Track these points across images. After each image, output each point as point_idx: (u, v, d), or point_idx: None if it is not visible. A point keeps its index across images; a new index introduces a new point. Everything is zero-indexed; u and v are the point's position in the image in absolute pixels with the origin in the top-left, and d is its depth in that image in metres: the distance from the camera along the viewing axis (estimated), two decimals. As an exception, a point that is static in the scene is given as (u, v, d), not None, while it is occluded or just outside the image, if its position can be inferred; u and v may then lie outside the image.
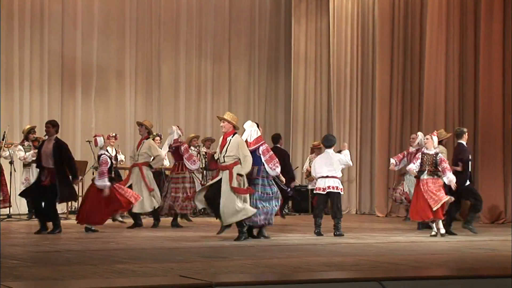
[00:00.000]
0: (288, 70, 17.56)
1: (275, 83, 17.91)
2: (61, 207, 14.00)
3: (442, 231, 9.96)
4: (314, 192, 10.36)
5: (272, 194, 9.25)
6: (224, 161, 9.05)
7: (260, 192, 9.20)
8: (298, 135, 17.13)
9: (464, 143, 10.69)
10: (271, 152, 9.31)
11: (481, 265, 7.01)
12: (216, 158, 9.27)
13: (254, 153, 9.14)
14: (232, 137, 9.10)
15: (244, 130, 9.32)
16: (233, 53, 17.36)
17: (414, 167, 10.10)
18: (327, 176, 10.07)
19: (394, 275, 5.91)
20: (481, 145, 13.02)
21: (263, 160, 9.20)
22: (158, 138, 14.27)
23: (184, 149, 11.26)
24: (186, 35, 16.72)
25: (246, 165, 8.95)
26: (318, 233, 10.00)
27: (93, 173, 13.48)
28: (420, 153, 10.31)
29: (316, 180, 10.24)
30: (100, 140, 10.28)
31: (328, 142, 10.29)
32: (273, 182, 9.37)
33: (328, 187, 10.08)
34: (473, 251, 8.26)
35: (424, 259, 7.49)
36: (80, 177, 13.33)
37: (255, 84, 17.65)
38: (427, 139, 10.28)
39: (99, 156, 10.35)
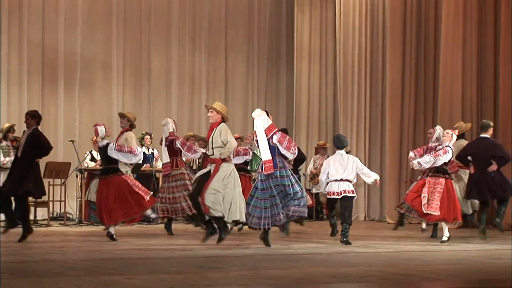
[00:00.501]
0: (290, 64, 17.55)
1: (276, 78, 17.89)
2: (42, 213, 14.00)
3: (445, 237, 10.05)
4: (328, 196, 10.29)
5: (292, 192, 9.15)
6: (213, 153, 9.18)
7: (274, 187, 9.19)
8: (301, 135, 17.12)
9: (490, 137, 10.72)
10: (288, 137, 9.31)
11: (502, 276, 6.98)
12: (205, 152, 9.32)
13: (268, 143, 9.17)
14: (217, 126, 9.21)
15: (253, 120, 9.31)
16: (230, 45, 17.36)
17: (412, 155, 10.30)
18: (341, 179, 10.13)
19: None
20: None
21: (281, 149, 9.17)
22: (148, 137, 14.27)
23: (180, 142, 11.28)
24: (178, 25, 16.71)
25: (226, 150, 9.08)
26: (333, 233, 10.48)
27: (76, 176, 13.46)
28: (427, 147, 10.47)
29: (326, 183, 10.20)
30: (101, 130, 10.15)
31: (340, 143, 10.33)
32: (295, 178, 9.28)
33: (344, 191, 10.13)
34: (493, 261, 8.23)
35: (440, 270, 7.46)
36: (63, 180, 13.32)
37: (254, 79, 17.63)
38: (447, 132, 10.33)
39: (104, 147, 10.12)
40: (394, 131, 15.09)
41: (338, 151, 10.28)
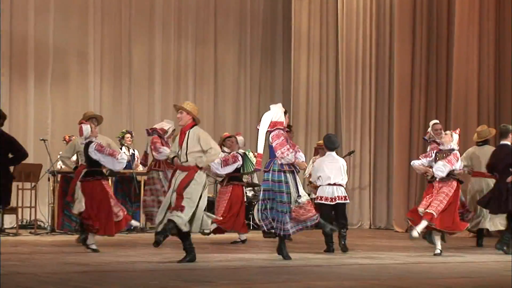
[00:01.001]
0: (287, 55, 17.55)
1: (271, 71, 17.90)
2: (9, 221, 13.96)
3: (437, 249, 10.05)
4: (318, 201, 10.37)
5: (280, 197, 9.18)
6: (187, 160, 8.97)
7: (262, 190, 9.24)
8: (299, 134, 17.12)
9: (510, 144, 10.69)
10: (282, 137, 9.30)
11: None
12: (172, 157, 9.11)
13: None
14: (191, 129, 9.11)
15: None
16: (220, 34, 17.36)
17: (417, 163, 10.24)
18: (334, 184, 10.30)
19: (417, 303, 5.87)
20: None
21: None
22: (128, 135, 14.24)
23: (151, 141, 11.24)
24: (162, 10, 16.72)
25: (209, 157, 8.97)
26: (330, 250, 10.27)
27: (48, 179, 13.43)
28: (431, 149, 10.44)
29: (318, 186, 10.32)
30: (87, 129, 10.17)
31: (332, 143, 10.52)
32: (291, 181, 9.28)
33: (338, 197, 10.33)
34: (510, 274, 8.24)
35: (453, 284, 7.46)
36: (33, 184, 13.29)
37: (246, 72, 17.64)
38: (445, 134, 10.33)
39: (87, 145, 10.17)
40: (403, 131, 15.12)
41: (329, 153, 10.44)
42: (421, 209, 10.05)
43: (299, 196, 9.13)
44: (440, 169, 10.00)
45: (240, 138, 12.28)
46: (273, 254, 9.49)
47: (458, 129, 10.75)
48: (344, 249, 10.30)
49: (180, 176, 8.90)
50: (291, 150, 9.21)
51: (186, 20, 17.01)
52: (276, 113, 9.33)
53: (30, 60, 15.47)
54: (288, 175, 9.21)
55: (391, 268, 8.73)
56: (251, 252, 10.42)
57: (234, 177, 11.94)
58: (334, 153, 10.48)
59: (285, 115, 9.41)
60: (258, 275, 8.06)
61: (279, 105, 9.55)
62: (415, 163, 10.33)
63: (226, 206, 11.71)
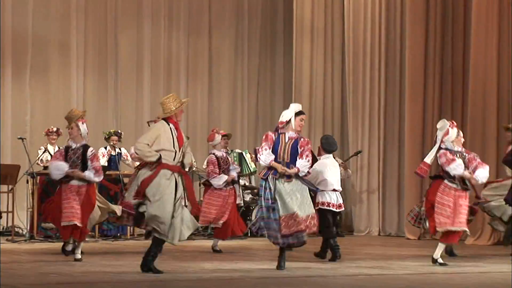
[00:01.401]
0: (288, 45, 17.53)
1: (270, 64, 17.87)
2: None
3: (440, 259, 10.07)
4: (323, 207, 10.44)
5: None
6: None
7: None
8: (301, 131, 17.05)
9: None
10: (266, 141, 9.39)
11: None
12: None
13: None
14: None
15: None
16: (215, 23, 17.34)
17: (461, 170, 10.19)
18: (334, 190, 10.63)
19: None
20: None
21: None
22: (115, 138, 14.22)
23: None
24: (152, -3, 16.70)
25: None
26: (336, 257, 10.45)
27: (27, 181, 13.40)
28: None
29: (319, 191, 10.39)
30: (84, 128, 10.28)
31: (330, 145, 10.78)
32: (267, 194, 9.36)
33: (340, 205, 10.74)
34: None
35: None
36: (10, 187, 13.26)
37: (243, 64, 17.62)
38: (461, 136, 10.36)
39: (85, 147, 10.25)
40: (415, 127, 15.08)
41: (327, 155, 10.62)
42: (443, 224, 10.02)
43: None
44: (483, 174, 10.01)
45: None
46: (274, 263, 9.49)
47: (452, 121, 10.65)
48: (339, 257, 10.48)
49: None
50: (260, 151, 9.30)
51: (178, 8, 16.99)
52: (288, 113, 9.45)
53: (7, 51, 15.45)
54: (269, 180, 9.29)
55: (403, 279, 8.73)
56: (250, 261, 10.41)
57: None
58: (331, 155, 10.73)
59: (296, 116, 9.41)
60: (256, 286, 8.04)
61: (294, 106, 9.56)
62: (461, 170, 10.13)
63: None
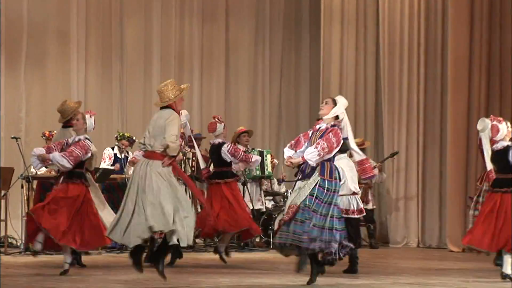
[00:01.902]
0: (315, 33, 17.52)
1: (295, 51, 17.84)
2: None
3: (508, 270, 9.96)
4: (347, 215, 10.42)
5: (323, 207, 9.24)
6: None
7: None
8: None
9: None
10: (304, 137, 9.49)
11: None
12: None
13: None
14: None
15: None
16: (232, 8, 17.35)
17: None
18: (354, 193, 10.70)
19: None
20: None
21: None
22: (126, 142, 14.23)
23: None
24: (162, -22, 16.72)
25: None
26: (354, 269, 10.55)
27: (22, 186, 13.41)
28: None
29: (344, 195, 10.40)
30: (90, 123, 10.35)
31: (345, 144, 10.67)
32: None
33: (363, 208, 10.83)
34: None
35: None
36: (3, 192, 13.28)
37: (265, 54, 17.63)
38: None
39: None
40: (459, 127, 15.04)
41: (341, 155, 10.34)
42: None
43: None
44: None
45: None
46: (298, 278, 9.44)
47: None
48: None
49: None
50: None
51: (191, -9, 17.03)
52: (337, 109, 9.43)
53: (1, 40, 15.47)
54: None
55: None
56: (272, 275, 10.36)
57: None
58: (346, 155, 10.61)
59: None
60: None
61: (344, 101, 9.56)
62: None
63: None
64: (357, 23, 17.12)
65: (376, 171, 15.16)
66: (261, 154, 14.69)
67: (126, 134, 14.48)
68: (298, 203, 9.00)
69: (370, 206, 15.26)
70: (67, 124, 11.34)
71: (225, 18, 17.30)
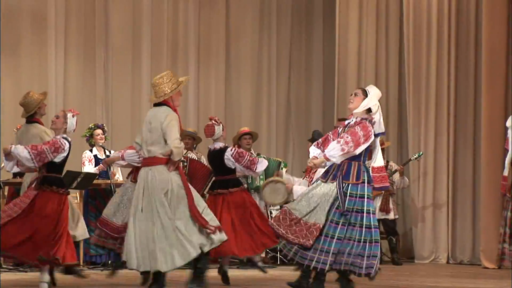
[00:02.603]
0: (329, 16, 17.59)
1: (306, 41, 17.93)
2: None
3: None
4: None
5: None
6: None
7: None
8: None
9: None
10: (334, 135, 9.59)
11: None
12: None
13: None
14: None
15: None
16: (234, -10, 17.46)
17: None
18: None
19: None
20: None
21: None
22: (99, 131, 14.15)
23: None
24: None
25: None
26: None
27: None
28: None
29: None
30: (71, 123, 10.36)
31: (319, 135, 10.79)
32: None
33: None
34: None
35: None
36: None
37: (271, 41, 17.68)
38: None
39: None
40: (494, 127, 15.05)
41: None
42: None
43: None
44: None
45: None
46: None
47: None
48: None
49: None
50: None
51: (186, -29, 17.13)
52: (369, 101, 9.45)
53: (-33, 25, 15.59)
54: None
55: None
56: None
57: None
58: None
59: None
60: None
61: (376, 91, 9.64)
62: None
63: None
64: (377, 9, 17.14)
65: (396, 175, 15.25)
66: (277, 164, 14.57)
67: (91, 125, 14.24)
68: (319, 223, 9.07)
69: (391, 216, 15.24)
70: (31, 119, 11.41)
71: (225, 1, 17.38)
